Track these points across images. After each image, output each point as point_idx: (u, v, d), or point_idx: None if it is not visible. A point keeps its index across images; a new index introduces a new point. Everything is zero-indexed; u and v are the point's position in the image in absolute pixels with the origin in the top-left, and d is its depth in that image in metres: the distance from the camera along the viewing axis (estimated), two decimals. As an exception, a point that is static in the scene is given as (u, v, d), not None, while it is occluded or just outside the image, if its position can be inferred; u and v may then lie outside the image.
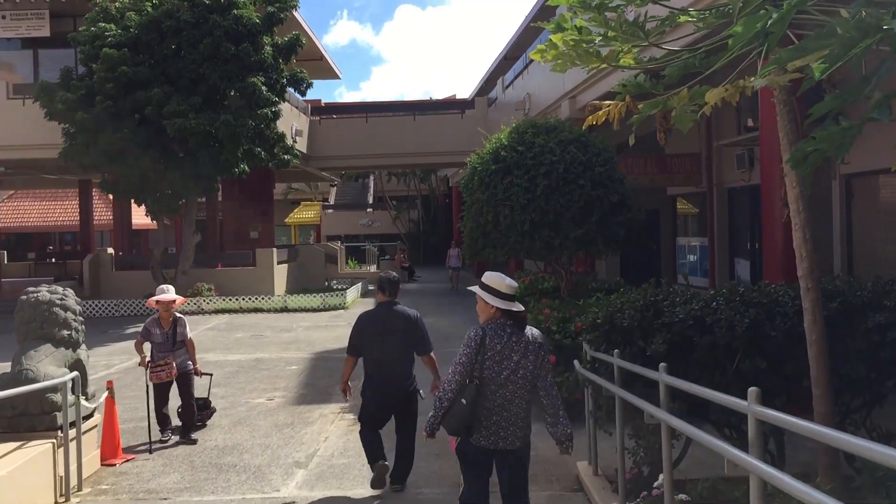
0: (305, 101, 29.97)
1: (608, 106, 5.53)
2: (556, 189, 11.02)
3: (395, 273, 6.98)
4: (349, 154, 29.56)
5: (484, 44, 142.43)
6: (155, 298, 8.75)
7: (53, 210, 43.77)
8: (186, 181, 20.17)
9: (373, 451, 6.55)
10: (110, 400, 7.90)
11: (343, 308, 22.00)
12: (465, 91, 38.02)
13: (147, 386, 8.71)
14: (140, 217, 33.31)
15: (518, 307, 4.61)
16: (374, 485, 6.52)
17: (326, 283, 26.91)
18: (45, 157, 21.51)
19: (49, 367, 6.67)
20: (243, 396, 11.09)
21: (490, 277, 4.62)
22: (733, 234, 16.46)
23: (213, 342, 16.43)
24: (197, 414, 8.84)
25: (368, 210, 49.52)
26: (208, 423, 9.32)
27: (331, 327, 17.64)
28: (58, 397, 6.55)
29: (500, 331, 4.52)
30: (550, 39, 5.00)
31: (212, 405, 9.45)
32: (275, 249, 24.04)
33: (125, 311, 21.32)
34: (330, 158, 29.74)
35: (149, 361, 8.51)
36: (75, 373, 6.77)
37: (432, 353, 6.65)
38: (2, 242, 44.95)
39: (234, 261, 24.18)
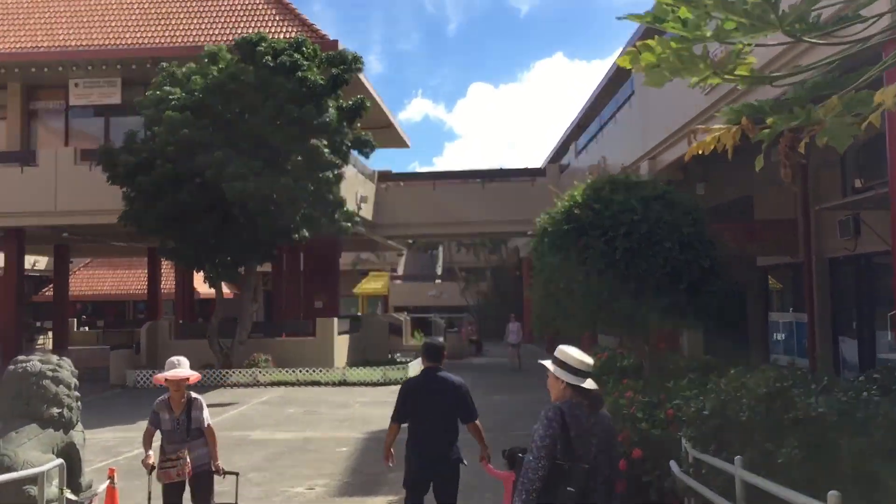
0: (374, 170, 29.49)
1: (719, 131, 4.24)
2: (639, 252, 9.67)
3: (440, 339, 7.18)
4: (416, 222, 28.69)
5: (557, 118, 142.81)
6: (163, 375, 6.73)
7: (127, 278, 44.13)
8: (245, 247, 19.47)
9: None
10: (111, 490, 6.74)
11: (404, 383, 20.68)
12: (537, 163, 37.11)
13: (150, 491, 6.68)
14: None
15: (592, 385, 4.17)
16: None
17: (390, 356, 25.73)
18: (107, 223, 21.16)
19: (31, 452, 5.59)
20: (282, 484, 9.83)
21: (563, 350, 4.24)
22: (836, 309, 14.66)
23: (262, 418, 15.31)
24: None
25: (437, 281, 48.56)
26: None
27: (389, 403, 16.00)
28: (35, 490, 5.41)
29: (576, 411, 4.08)
30: (644, 42, 3.76)
31: None
32: (336, 319, 23.03)
33: (179, 382, 20.46)
34: (396, 227, 28.91)
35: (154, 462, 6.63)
36: (59, 460, 5.66)
37: (478, 422, 6.43)
38: (76, 310, 45.53)
39: (295, 331, 23.24)
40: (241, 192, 17.98)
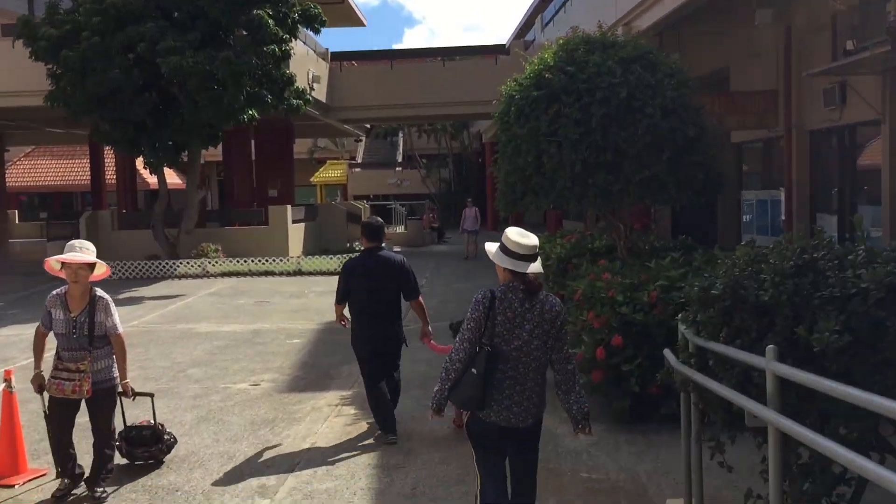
0: (327, 48, 27.63)
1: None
2: (616, 120, 8.61)
3: (378, 218, 6.82)
4: (373, 104, 27.14)
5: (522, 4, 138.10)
6: (57, 258, 5.34)
7: (73, 169, 42.01)
8: (185, 129, 18.00)
9: (383, 414, 6.45)
10: (7, 395, 5.74)
11: (363, 271, 19.78)
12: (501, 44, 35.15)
13: (45, 408, 5.47)
14: (171, 176, 31.18)
15: (532, 269, 4.02)
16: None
17: (348, 245, 24.71)
18: (34, 105, 19.43)
19: None
20: (224, 380, 8.93)
21: (505, 233, 4.10)
22: (815, 184, 13.88)
23: (209, 309, 14.34)
24: (145, 449, 5.91)
25: (397, 169, 47.20)
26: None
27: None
28: None
29: (510, 294, 4.00)
30: None
31: (167, 435, 6.05)
32: (289, 207, 21.86)
33: (122, 274, 19.34)
34: (352, 109, 27.37)
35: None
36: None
37: (421, 298, 6.49)
38: (20, 203, 43.54)
39: (247, 220, 22.07)
40: (178, 69, 16.41)
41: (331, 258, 20.03)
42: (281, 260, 19.72)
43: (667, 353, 4.69)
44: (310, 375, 9.05)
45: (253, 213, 22.11)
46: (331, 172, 46.00)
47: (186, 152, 19.49)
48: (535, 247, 4.03)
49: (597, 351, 6.67)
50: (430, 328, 6.62)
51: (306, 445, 6.45)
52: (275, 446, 6.46)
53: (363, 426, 6.93)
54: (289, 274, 19.43)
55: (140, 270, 19.37)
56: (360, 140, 45.08)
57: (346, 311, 6.64)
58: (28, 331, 12.72)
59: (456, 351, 4.04)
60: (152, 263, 19.37)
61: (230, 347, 10.88)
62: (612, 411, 6.78)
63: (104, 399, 5.41)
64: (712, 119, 12.52)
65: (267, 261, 19.58)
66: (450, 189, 45.34)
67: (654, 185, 8.69)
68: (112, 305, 5.53)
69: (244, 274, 19.37)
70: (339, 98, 26.72)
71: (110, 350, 5.49)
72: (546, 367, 4.07)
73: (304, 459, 6.14)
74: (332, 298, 6.97)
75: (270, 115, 22.81)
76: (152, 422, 5.98)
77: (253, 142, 27.62)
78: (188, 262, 19.32)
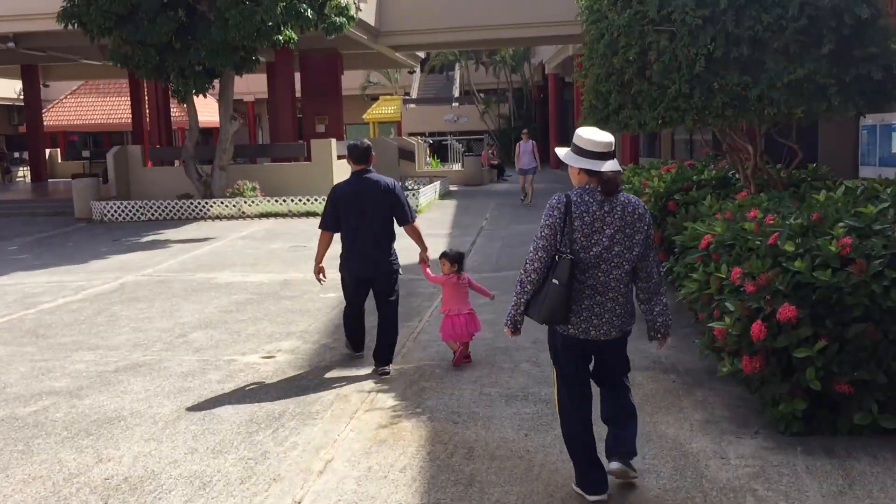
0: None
1: None
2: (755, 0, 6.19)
3: (366, 140, 6.32)
4: (427, 28, 24.58)
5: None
6: None
7: (119, 106, 40.52)
8: (216, 51, 15.90)
9: (353, 336, 6.46)
10: None
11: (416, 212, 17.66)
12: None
13: None
14: (212, 114, 29.35)
15: (609, 167, 3.63)
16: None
17: (401, 183, 22.58)
18: (55, 31, 17.52)
19: None
20: (231, 348, 6.96)
21: (577, 133, 3.75)
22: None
23: (237, 256, 12.41)
24: None
25: (454, 105, 44.61)
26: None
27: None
28: None
29: (587, 197, 3.66)
30: None
31: None
32: (334, 141, 19.70)
33: (151, 215, 17.57)
34: (403, 34, 24.86)
35: None
36: None
37: (415, 223, 6.18)
38: (70, 143, 42.52)
39: (287, 154, 20.05)
40: (203, -23, 14.25)
41: (379, 197, 17.86)
42: (324, 199, 17.65)
43: None
44: (340, 343, 7.00)
45: (294, 148, 20.07)
46: (384, 109, 43.79)
47: (218, 79, 17.43)
48: (610, 143, 3.71)
49: (752, 327, 4.42)
50: (427, 254, 6.29)
51: (318, 465, 4.37)
52: (274, 464, 4.42)
53: (404, 430, 4.85)
54: (333, 215, 17.38)
55: (170, 211, 17.56)
56: (414, 72, 42.56)
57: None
58: (29, 279, 11.12)
59: (530, 261, 3.72)
60: (183, 203, 17.55)
61: (250, 303, 8.91)
62: (771, 417, 4.56)
63: None
64: None
65: (308, 200, 17.58)
66: (510, 125, 42.87)
67: (809, 88, 6.26)
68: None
69: (283, 215, 17.41)
70: (388, 21, 24.26)
71: None
72: (630, 276, 3.76)
73: (316, 485, 4.09)
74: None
75: (311, 35, 20.65)
76: None
77: (299, 75, 25.63)
78: (222, 202, 17.44)
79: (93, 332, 7.66)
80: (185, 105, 17.81)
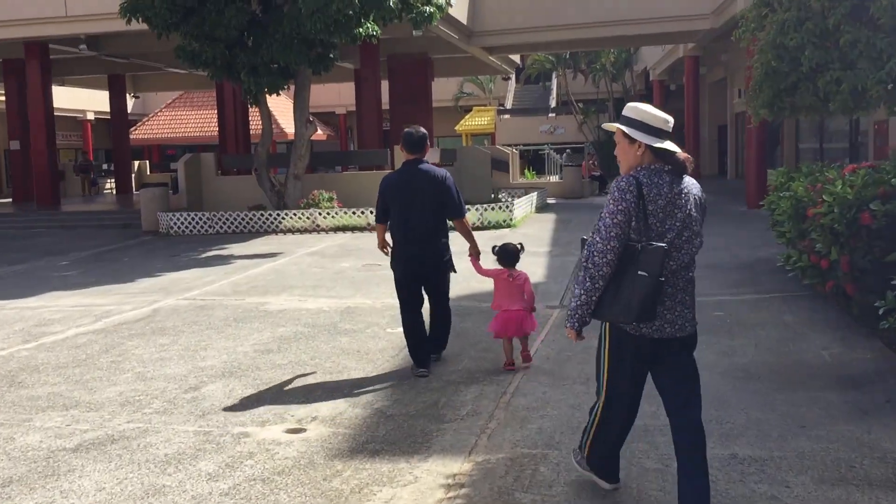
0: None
1: None
2: None
3: (422, 128, 5.85)
4: (524, 27, 22.53)
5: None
6: None
7: (212, 118, 40.16)
8: (288, 46, 14.30)
9: (415, 344, 5.86)
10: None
11: (509, 226, 15.56)
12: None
13: None
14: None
15: (675, 147, 3.26)
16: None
17: (493, 195, 20.49)
18: (125, 30, 16.34)
19: None
20: (249, 412, 5.01)
21: (634, 107, 3.33)
22: None
23: (300, 275, 10.59)
24: None
25: (550, 115, 42.37)
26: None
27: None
28: None
29: (656, 178, 3.24)
30: None
31: None
32: (420, 147, 17.78)
33: (220, 227, 16.07)
34: (498, 34, 22.89)
35: None
36: None
37: (465, 218, 5.93)
38: (166, 156, 42.47)
39: (369, 162, 18.29)
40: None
41: (469, 209, 15.85)
42: (407, 212, 15.75)
43: None
44: (402, 410, 4.96)
45: (377, 155, 18.31)
46: (477, 120, 41.93)
47: (293, 80, 15.84)
48: (670, 121, 3.31)
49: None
50: (478, 248, 5.95)
51: None
52: None
53: None
54: (416, 229, 15.46)
55: (240, 223, 16.02)
56: (509, 78, 40.59)
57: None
58: (58, 301, 9.54)
59: (601, 252, 3.22)
60: (254, 215, 15.98)
61: (299, 339, 7.00)
62: None
63: None
64: None
65: (390, 212, 15.71)
66: (609, 137, 40.19)
67: None
68: None
69: (361, 228, 15.60)
70: (482, 20, 22.35)
71: None
72: (694, 262, 3.34)
73: None
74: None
75: (398, 37, 18.94)
76: None
77: (387, 82, 24.06)
78: (296, 214, 15.77)
79: (83, 379, 5.87)
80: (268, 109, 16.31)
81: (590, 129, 39.97)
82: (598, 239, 3.24)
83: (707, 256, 10.90)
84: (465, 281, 8.40)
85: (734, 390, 4.99)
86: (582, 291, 3.26)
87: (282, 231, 15.71)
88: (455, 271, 6.01)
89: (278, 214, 15.84)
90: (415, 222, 5.69)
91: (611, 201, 3.24)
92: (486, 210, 15.96)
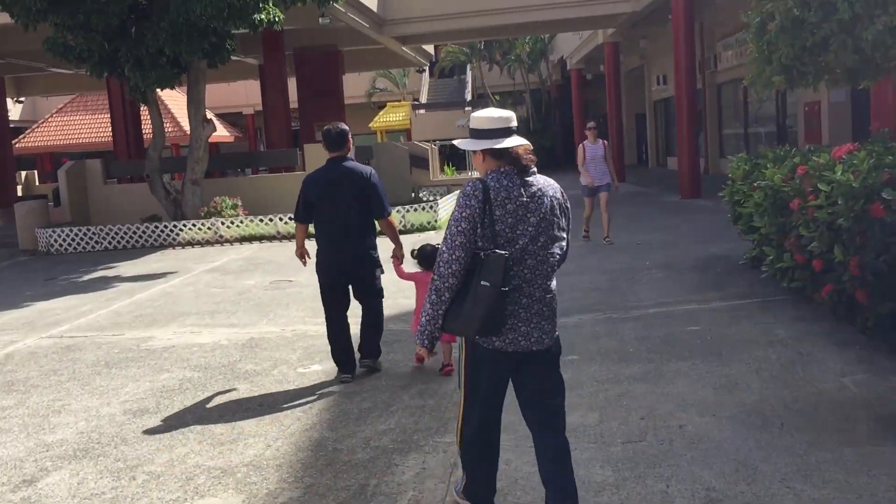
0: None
1: None
2: None
3: (341, 124, 5.70)
4: (437, 14, 21.23)
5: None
6: None
7: (107, 123, 37.48)
8: (177, 35, 12.62)
9: (339, 350, 5.59)
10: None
11: (434, 228, 14.26)
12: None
13: None
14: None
15: (511, 143, 3.10)
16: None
17: (413, 195, 19.15)
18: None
19: None
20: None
21: (472, 117, 3.22)
22: None
23: (196, 299, 9.03)
24: None
25: (466, 109, 41.19)
26: None
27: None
28: None
29: (505, 180, 3.07)
30: None
31: None
32: (332, 145, 16.27)
33: (108, 243, 14.24)
34: (411, 22, 21.51)
35: None
36: None
37: (391, 217, 5.68)
38: (56, 163, 39.52)
39: (277, 163, 16.70)
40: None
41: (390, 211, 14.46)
42: (321, 216, 14.21)
43: None
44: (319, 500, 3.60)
45: (286, 155, 16.70)
46: (392, 116, 40.49)
47: (184, 71, 14.12)
48: (509, 118, 3.16)
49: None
50: (402, 251, 5.71)
51: None
52: None
53: None
54: (331, 235, 13.98)
55: (131, 237, 14.22)
56: (423, 71, 39.38)
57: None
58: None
59: (446, 263, 3.03)
60: (147, 228, 14.21)
61: (185, 390, 5.53)
62: None
63: None
64: None
65: (302, 218, 14.17)
66: (528, 129, 39.73)
67: None
68: None
69: (270, 237, 14.03)
70: (393, 7, 20.94)
71: None
72: (555, 270, 3.14)
73: None
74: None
75: (304, 28, 17.40)
76: None
77: (296, 79, 22.44)
78: (195, 225, 14.08)
79: None
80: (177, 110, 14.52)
81: (507, 122, 39.15)
82: (444, 249, 3.07)
83: (659, 255, 9.84)
84: (393, 298, 7.10)
85: (758, 448, 3.79)
86: (429, 306, 3.08)
87: (180, 244, 13.98)
88: (384, 271, 5.72)
89: (175, 226, 14.11)
90: (340, 222, 5.48)
91: (456, 208, 3.07)
92: (408, 211, 14.61)
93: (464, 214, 3.02)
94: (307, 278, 9.96)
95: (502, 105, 39.05)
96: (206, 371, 6.03)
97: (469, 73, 43.65)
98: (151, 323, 7.93)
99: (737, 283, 7.74)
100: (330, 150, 5.58)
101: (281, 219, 14.09)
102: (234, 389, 5.50)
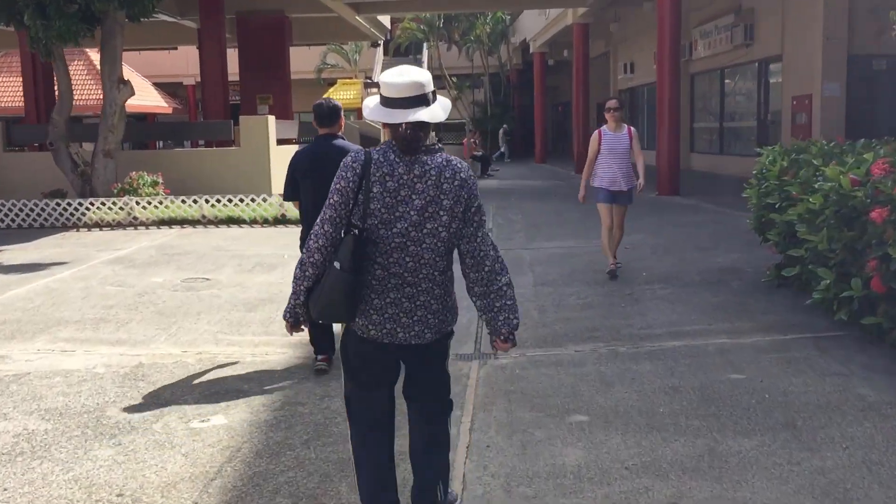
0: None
1: None
2: None
3: (333, 100, 5.36)
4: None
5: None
6: None
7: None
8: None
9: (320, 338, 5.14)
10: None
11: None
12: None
13: None
14: (146, 97, 23.44)
15: (414, 117, 2.65)
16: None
17: (362, 178, 17.33)
18: None
19: None
20: None
21: (380, 77, 2.81)
22: None
23: (86, 300, 7.15)
24: None
25: (422, 89, 39.55)
26: None
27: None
28: None
29: (392, 156, 2.73)
30: None
31: None
32: (272, 118, 14.30)
33: (0, 220, 12.13)
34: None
35: None
36: None
37: None
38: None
39: (208, 136, 14.72)
40: None
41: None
42: (256, 201, 12.28)
43: None
44: None
45: (218, 128, 14.72)
46: (342, 93, 38.41)
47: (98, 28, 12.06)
48: (414, 84, 2.64)
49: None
50: None
51: None
52: None
53: None
54: (266, 223, 12.09)
55: (28, 215, 12.14)
56: (377, 45, 37.51)
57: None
58: None
59: (315, 237, 2.79)
60: (48, 205, 12.15)
61: (16, 458, 3.76)
62: None
63: None
64: None
65: (233, 201, 12.26)
66: (485, 113, 38.27)
67: None
68: None
69: (194, 222, 12.08)
70: (349, -29, 19.02)
71: None
72: (450, 261, 2.81)
73: None
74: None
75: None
76: None
77: (238, 47, 20.38)
78: (105, 203, 12.06)
79: None
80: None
81: (464, 105, 37.65)
82: (316, 222, 2.81)
83: (653, 263, 8.24)
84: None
85: None
86: (294, 280, 2.84)
87: (86, 225, 11.96)
88: None
89: (80, 203, 12.06)
90: (324, 200, 4.13)
91: (334, 179, 2.77)
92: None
93: (337, 187, 2.75)
94: (228, 277, 8.15)
95: (459, 88, 37.50)
96: (60, 421, 4.24)
97: (426, 52, 41.88)
98: (13, 334, 6.05)
99: (765, 307, 6.18)
100: (320, 126, 5.24)
101: (207, 200, 12.16)
102: (92, 461, 3.72)
